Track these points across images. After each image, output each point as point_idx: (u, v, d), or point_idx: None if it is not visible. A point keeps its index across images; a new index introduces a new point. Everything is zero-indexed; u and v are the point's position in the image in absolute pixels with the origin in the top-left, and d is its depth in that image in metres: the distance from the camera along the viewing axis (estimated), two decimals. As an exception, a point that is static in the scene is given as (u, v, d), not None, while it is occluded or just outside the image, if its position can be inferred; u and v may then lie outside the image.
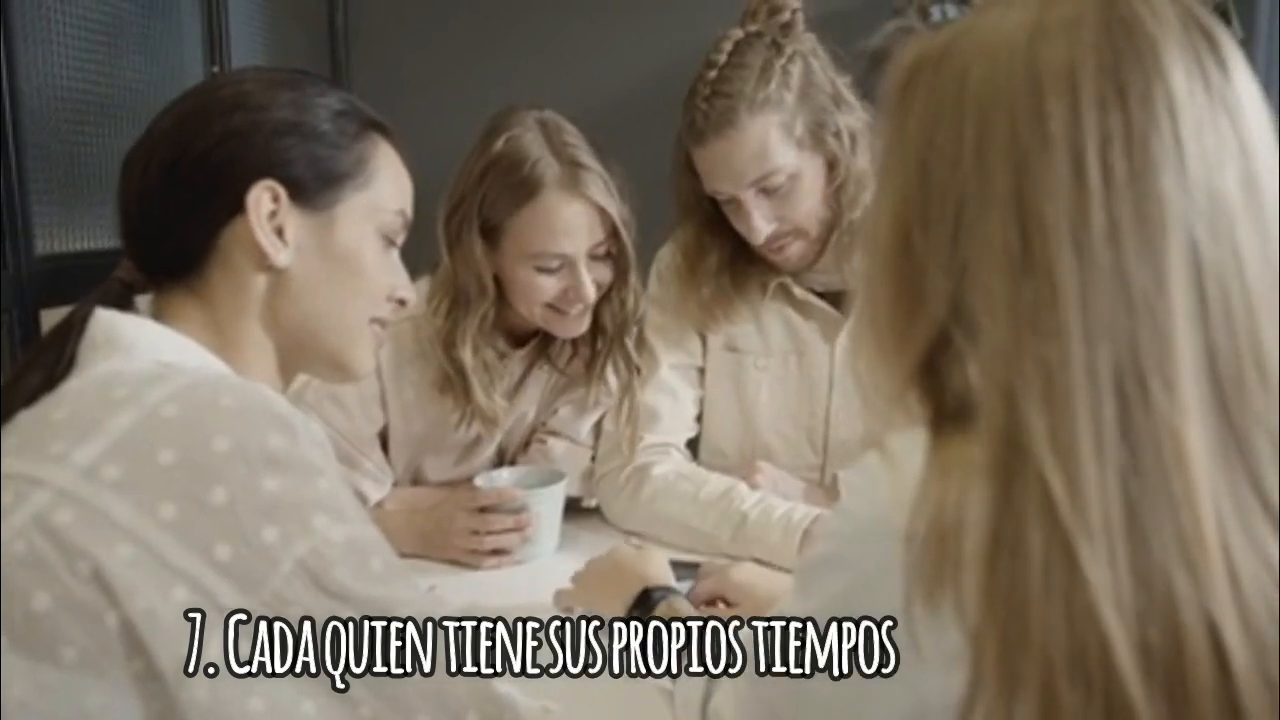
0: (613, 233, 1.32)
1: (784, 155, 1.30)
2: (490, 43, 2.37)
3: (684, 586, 1.14)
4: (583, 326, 1.37)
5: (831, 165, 1.35)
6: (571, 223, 1.29)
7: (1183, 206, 0.52)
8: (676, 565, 1.21)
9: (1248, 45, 2.15)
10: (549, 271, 1.31)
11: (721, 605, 1.11)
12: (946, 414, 0.57)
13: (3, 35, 1.41)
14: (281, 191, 0.78)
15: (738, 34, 1.33)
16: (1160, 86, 0.53)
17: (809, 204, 1.34)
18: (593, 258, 1.32)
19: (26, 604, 0.58)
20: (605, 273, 1.35)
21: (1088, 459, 0.50)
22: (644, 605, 1.02)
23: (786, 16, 1.33)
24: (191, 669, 0.58)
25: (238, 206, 0.77)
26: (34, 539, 0.59)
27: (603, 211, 1.30)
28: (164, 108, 0.81)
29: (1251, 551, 0.51)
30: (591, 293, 1.32)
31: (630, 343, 1.42)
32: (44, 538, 0.59)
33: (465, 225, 1.31)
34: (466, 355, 1.33)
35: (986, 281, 0.54)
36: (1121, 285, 0.52)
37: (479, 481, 1.34)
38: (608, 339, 1.41)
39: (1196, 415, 0.51)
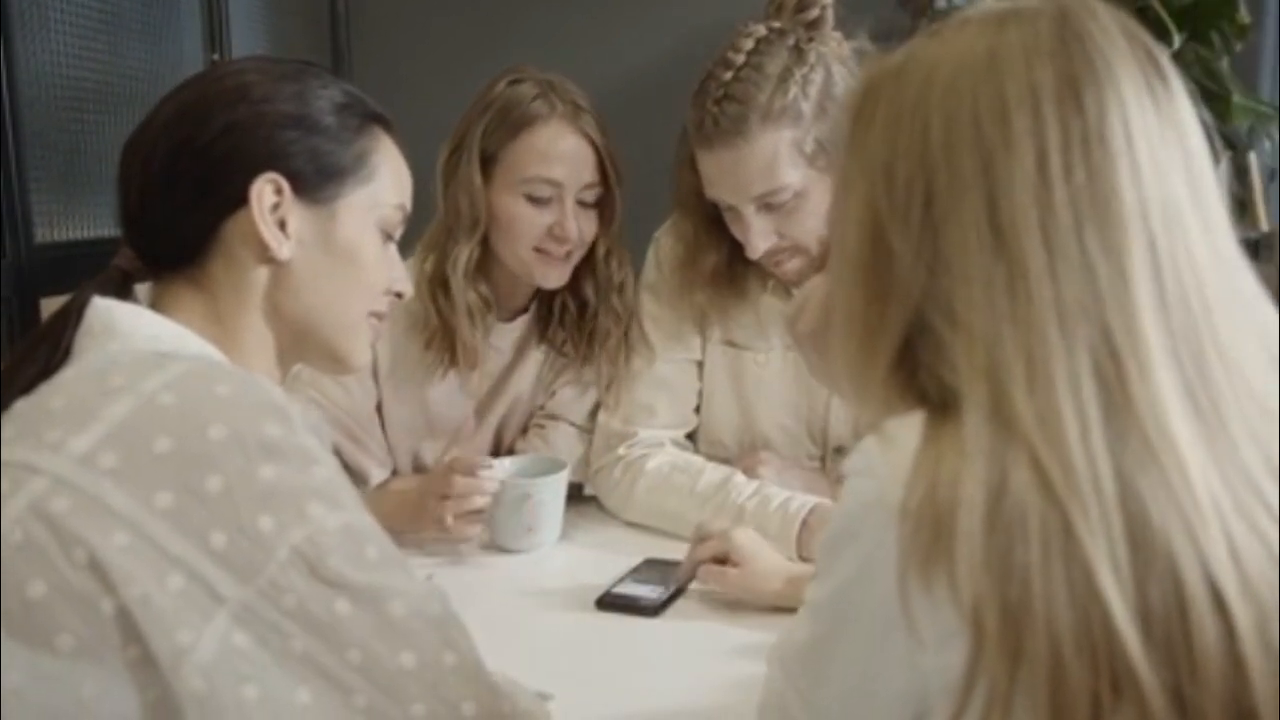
0: (604, 178, 1.35)
1: (792, 173, 1.24)
2: (493, 30, 2.37)
3: (658, 590, 1.15)
4: (565, 276, 1.38)
5: None
6: (566, 152, 1.33)
7: (1137, 202, 0.56)
8: (654, 563, 1.22)
9: (1255, 29, 2.14)
10: (538, 202, 1.33)
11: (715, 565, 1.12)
12: (931, 403, 0.59)
13: (1, 23, 1.40)
14: (285, 185, 0.78)
15: (760, 31, 1.26)
16: (1114, 96, 0.58)
17: (812, 223, 1.28)
18: (581, 204, 1.35)
19: (23, 591, 0.59)
20: (591, 223, 1.37)
21: (1074, 438, 0.53)
22: None
23: (816, 13, 1.28)
24: (187, 656, 0.58)
25: (240, 199, 0.77)
26: (30, 526, 0.59)
27: (597, 151, 1.34)
28: (165, 96, 0.81)
29: (1243, 522, 0.53)
30: (574, 230, 1.33)
31: (619, 304, 1.43)
32: (40, 525, 0.59)
33: (465, 156, 1.34)
34: (455, 286, 1.34)
35: (962, 270, 0.57)
36: (1088, 276, 0.55)
37: (481, 471, 1.34)
38: (592, 310, 1.42)
39: (1173, 396, 0.54)
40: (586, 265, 1.41)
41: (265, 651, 0.60)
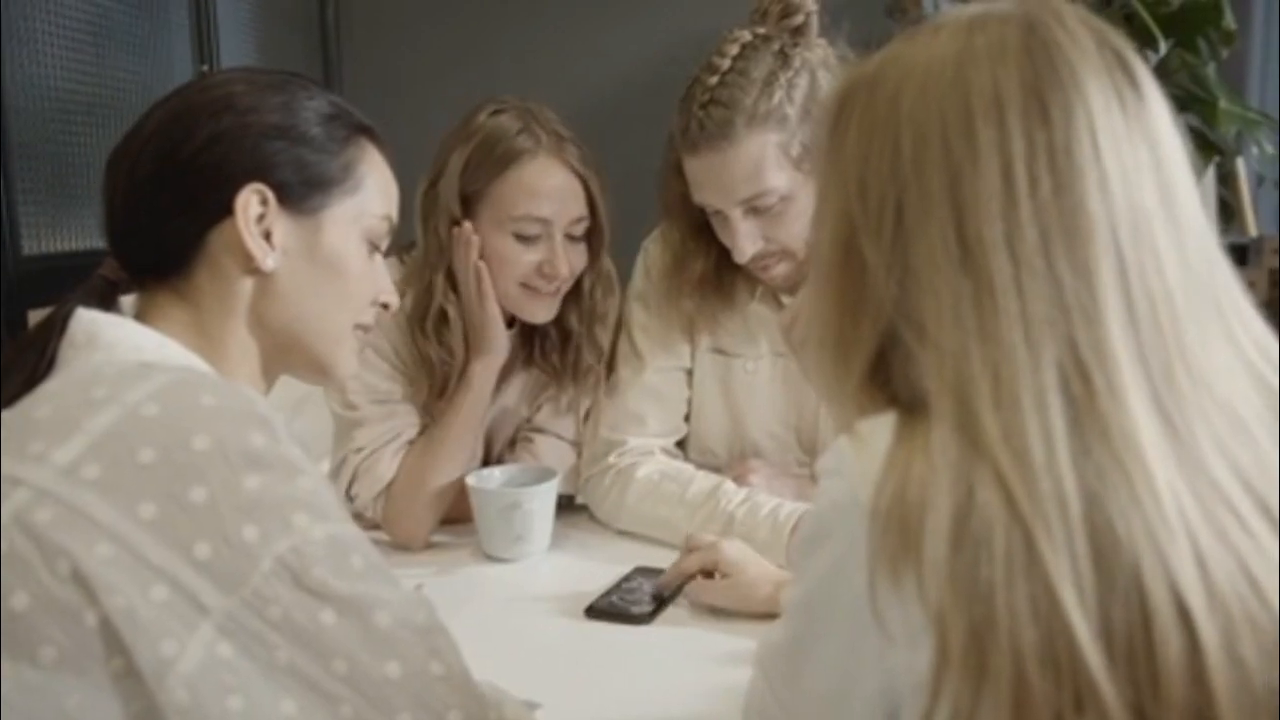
0: (591, 210, 1.33)
1: (778, 177, 1.25)
2: (482, 40, 2.37)
3: (648, 598, 1.15)
4: (553, 310, 1.36)
5: None
6: (555, 189, 1.30)
7: (1105, 215, 0.56)
8: (644, 572, 1.22)
9: (1242, 37, 2.15)
10: (526, 240, 1.31)
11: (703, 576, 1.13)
12: (903, 405, 0.59)
13: (-12, 34, 1.40)
14: (270, 195, 0.78)
15: (745, 36, 1.28)
16: (1080, 105, 0.57)
17: (799, 227, 1.28)
18: (570, 237, 1.33)
19: (6, 603, 0.58)
20: (580, 256, 1.35)
21: (1039, 455, 0.53)
22: None
23: (800, 19, 1.28)
24: (171, 668, 0.58)
25: (225, 209, 0.77)
26: (13, 538, 0.59)
27: (585, 183, 1.32)
28: (151, 106, 0.81)
29: (1212, 534, 0.53)
30: (565, 267, 1.32)
31: (601, 336, 1.42)
32: (23, 536, 0.59)
33: (445, 190, 1.31)
34: (432, 321, 1.33)
35: (931, 286, 0.57)
36: (1055, 289, 0.55)
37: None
38: (575, 342, 1.41)
39: (1141, 410, 0.54)
40: (572, 296, 1.39)
41: (250, 662, 0.59)
